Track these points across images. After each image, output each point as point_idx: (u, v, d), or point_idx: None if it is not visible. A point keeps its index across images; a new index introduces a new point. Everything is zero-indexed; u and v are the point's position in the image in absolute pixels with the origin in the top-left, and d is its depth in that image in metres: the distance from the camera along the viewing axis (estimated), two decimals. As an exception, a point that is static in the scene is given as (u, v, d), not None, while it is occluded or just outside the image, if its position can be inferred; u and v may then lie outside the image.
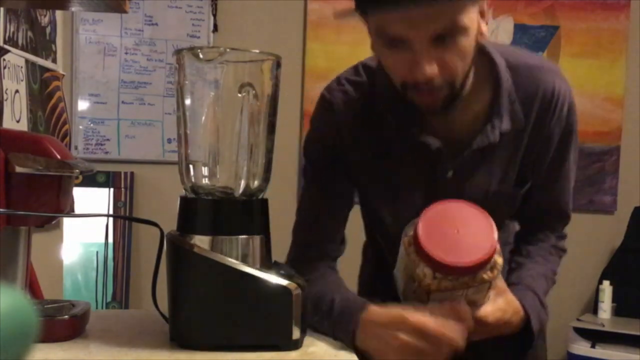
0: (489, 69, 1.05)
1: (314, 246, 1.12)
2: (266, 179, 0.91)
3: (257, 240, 0.86)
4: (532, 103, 1.06)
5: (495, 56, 1.05)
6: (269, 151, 0.90)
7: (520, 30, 3.03)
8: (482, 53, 1.03)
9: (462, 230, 0.92)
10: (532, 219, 1.19)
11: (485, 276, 0.92)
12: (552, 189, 1.15)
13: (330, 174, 1.13)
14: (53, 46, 2.51)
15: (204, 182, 0.89)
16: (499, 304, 0.99)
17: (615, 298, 2.91)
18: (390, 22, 0.92)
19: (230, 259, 0.83)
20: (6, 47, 1.96)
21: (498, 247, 0.94)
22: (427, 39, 0.91)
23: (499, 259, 0.94)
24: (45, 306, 0.91)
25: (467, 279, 0.91)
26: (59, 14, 2.56)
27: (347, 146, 1.10)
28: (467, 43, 0.94)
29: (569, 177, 1.15)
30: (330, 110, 1.10)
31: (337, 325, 0.97)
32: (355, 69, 1.12)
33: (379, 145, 1.10)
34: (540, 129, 1.07)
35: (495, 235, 0.93)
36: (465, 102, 1.03)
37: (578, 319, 2.89)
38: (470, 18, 0.93)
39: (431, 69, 0.92)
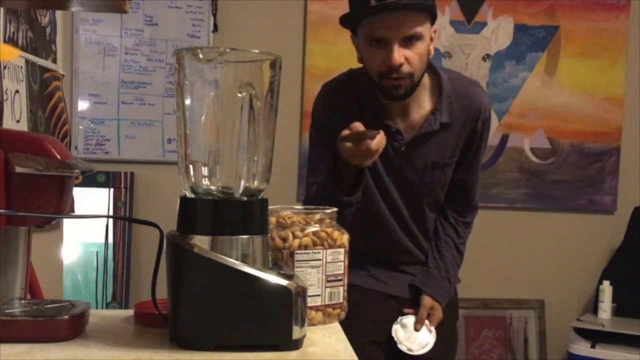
0: (436, 80, 1.55)
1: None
2: (266, 179, 0.91)
3: (257, 240, 0.86)
4: (469, 111, 1.57)
5: (440, 72, 1.56)
6: (269, 151, 0.90)
7: (520, 30, 3.03)
8: (431, 69, 1.55)
9: None
10: (450, 196, 1.66)
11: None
12: (469, 165, 1.64)
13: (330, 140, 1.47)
14: (53, 46, 2.51)
15: (203, 182, 0.89)
16: None
17: (615, 298, 2.91)
18: (375, 28, 1.41)
19: (230, 259, 0.83)
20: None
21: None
22: (399, 39, 1.41)
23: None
24: (45, 306, 0.91)
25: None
26: (59, 14, 2.56)
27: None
28: (423, 48, 1.44)
29: (480, 159, 1.67)
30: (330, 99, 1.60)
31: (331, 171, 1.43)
32: (343, 74, 1.61)
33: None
34: (472, 128, 1.59)
35: None
36: (418, 101, 1.54)
37: (578, 319, 2.89)
38: (426, 32, 1.44)
39: (400, 58, 1.41)
